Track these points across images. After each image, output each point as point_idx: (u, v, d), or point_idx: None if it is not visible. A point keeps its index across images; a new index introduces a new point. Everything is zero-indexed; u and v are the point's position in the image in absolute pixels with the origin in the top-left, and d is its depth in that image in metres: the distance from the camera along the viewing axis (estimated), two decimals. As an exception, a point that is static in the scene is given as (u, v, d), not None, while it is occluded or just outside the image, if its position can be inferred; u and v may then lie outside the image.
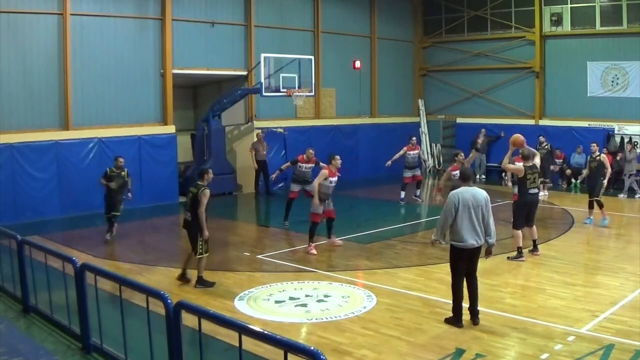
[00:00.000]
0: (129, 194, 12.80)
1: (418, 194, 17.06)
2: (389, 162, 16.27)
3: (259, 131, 18.53)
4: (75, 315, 6.60)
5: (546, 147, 17.41)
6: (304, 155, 13.79)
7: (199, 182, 9.27)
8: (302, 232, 13.47)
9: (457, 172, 12.38)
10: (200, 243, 9.21)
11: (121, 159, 12.74)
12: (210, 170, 9.55)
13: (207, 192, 9.15)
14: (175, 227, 15.14)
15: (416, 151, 16.65)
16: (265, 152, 18.40)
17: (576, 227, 13.55)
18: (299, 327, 7.75)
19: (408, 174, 16.49)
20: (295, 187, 13.87)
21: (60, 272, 6.96)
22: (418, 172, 16.73)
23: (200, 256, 9.24)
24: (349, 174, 20.68)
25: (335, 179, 11.59)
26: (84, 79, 15.41)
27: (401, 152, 16.41)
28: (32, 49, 14.61)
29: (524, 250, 10.67)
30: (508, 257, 10.66)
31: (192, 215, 9.22)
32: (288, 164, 14.45)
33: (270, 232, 13.65)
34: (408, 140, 16.66)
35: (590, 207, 13.64)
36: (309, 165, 13.78)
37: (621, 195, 18.27)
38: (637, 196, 17.97)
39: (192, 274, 9.59)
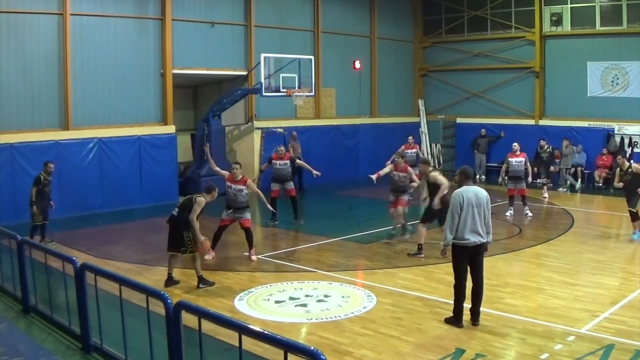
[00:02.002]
0: (51, 203, 12.29)
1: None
2: (388, 162, 16.24)
3: (294, 132, 18.98)
4: (75, 315, 6.60)
5: (548, 150, 17.51)
6: (277, 153, 14.09)
7: (204, 193, 9.29)
8: (303, 232, 13.52)
9: (401, 174, 12.41)
10: (189, 241, 9.10)
11: (51, 165, 12.14)
12: (217, 190, 9.55)
13: (203, 200, 9.12)
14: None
15: (414, 150, 16.62)
16: (300, 151, 18.58)
17: (576, 227, 13.55)
18: (299, 327, 7.75)
19: None
20: (276, 186, 13.98)
21: (60, 272, 6.96)
22: (415, 171, 16.59)
23: (192, 254, 9.22)
24: (349, 174, 20.71)
25: (239, 186, 10.72)
26: (84, 79, 15.41)
27: (399, 151, 16.44)
28: (32, 49, 14.62)
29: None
30: (408, 254, 11.04)
31: (179, 213, 9.21)
32: (267, 164, 14.56)
33: (270, 232, 13.65)
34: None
35: (634, 219, 12.53)
36: (283, 162, 13.92)
37: (561, 189, 18.84)
38: (577, 187, 19.01)
39: (176, 273, 9.67)
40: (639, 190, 12.30)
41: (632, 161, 14.95)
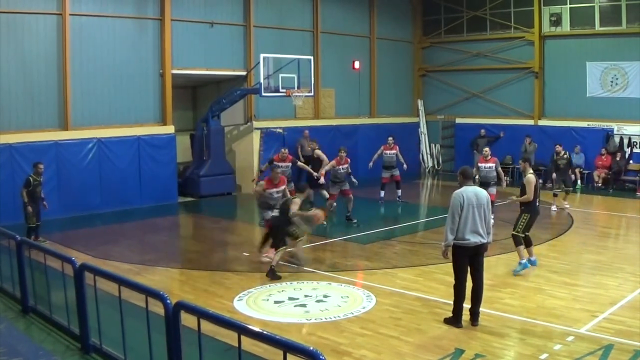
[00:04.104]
0: (45, 204, 12.42)
1: (400, 194, 16.74)
2: (370, 164, 16.34)
3: (306, 130, 19.24)
4: (74, 316, 6.59)
5: (565, 156, 15.98)
6: (279, 155, 14.06)
7: (297, 193, 10.59)
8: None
9: (342, 167, 13.87)
10: (294, 231, 10.07)
11: (41, 166, 12.16)
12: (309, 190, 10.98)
13: (298, 201, 10.23)
14: (174, 227, 15.16)
15: (393, 151, 16.42)
16: (310, 148, 18.65)
17: (575, 228, 13.55)
18: (298, 327, 7.75)
19: (385, 174, 16.51)
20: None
21: (60, 273, 6.95)
22: (396, 172, 16.48)
23: (296, 239, 10.21)
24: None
25: (273, 190, 11.22)
26: (83, 79, 15.41)
27: (378, 152, 16.46)
28: (32, 49, 14.61)
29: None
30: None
31: (280, 214, 10.24)
32: (267, 164, 14.37)
33: (270, 233, 13.63)
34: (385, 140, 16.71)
35: (519, 243, 9.90)
36: (285, 164, 13.89)
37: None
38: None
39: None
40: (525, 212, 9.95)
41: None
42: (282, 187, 11.37)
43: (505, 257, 10.85)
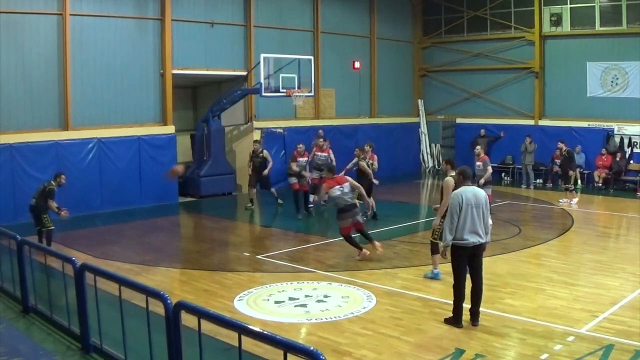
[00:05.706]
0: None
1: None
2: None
3: (321, 130, 18.63)
4: (74, 316, 6.60)
5: (564, 154, 16.89)
6: (296, 151, 15.17)
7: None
8: (302, 232, 13.52)
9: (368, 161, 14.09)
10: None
11: (64, 176, 11.58)
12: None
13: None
14: (175, 227, 15.17)
15: (325, 153, 15.81)
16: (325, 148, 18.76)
17: (576, 228, 13.55)
18: (298, 328, 7.75)
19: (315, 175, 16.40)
20: (294, 180, 14.97)
21: (60, 273, 6.96)
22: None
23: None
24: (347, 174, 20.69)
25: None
26: (83, 79, 15.42)
27: (353, 161, 15.57)
28: (32, 49, 14.61)
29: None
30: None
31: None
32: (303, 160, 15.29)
33: (270, 233, 13.66)
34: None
35: (435, 251, 9.32)
36: (304, 159, 15.00)
37: (523, 186, 19.50)
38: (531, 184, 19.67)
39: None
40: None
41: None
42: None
43: (505, 257, 10.85)
